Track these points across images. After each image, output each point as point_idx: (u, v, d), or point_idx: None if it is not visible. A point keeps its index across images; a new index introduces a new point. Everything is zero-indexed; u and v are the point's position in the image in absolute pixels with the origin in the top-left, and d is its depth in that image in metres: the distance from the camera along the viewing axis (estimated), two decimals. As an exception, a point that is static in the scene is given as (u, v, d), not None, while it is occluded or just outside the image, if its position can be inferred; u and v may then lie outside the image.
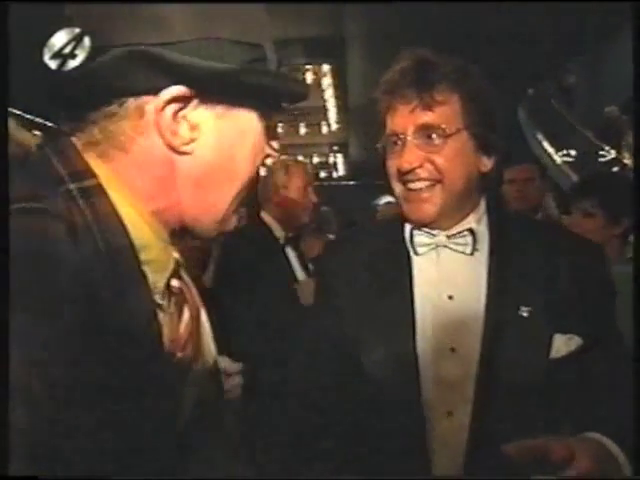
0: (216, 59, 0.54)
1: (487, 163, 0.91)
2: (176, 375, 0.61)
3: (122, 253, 0.55)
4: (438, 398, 0.88)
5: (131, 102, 0.54)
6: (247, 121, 0.60)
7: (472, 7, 3.49)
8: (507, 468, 0.70)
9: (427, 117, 0.87)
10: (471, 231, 0.90)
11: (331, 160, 11.37)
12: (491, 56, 4.57)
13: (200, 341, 0.68)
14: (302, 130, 7.45)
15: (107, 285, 0.52)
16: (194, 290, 0.69)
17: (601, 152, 5.84)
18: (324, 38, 3.81)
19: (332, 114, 6.69)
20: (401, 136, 0.89)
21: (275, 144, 0.66)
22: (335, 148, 10.31)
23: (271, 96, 0.60)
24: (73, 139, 0.56)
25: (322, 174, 12.26)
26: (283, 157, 2.33)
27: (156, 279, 0.59)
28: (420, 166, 0.88)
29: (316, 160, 10.51)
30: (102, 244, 0.53)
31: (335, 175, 12.47)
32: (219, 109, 0.57)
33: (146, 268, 0.57)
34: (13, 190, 0.50)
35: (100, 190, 0.56)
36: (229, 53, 0.55)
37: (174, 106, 0.54)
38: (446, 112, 0.88)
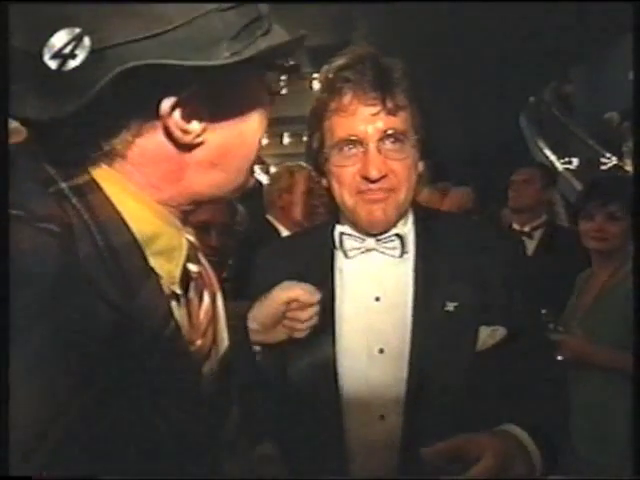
0: (219, 32, 0.51)
1: (421, 167, 0.89)
2: (195, 367, 0.59)
3: (125, 250, 0.53)
4: (369, 402, 0.86)
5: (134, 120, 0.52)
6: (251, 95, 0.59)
7: (475, 15, 3.54)
8: (439, 469, 0.71)
9: (392, 122, 0.82)
10: (398, 236, 0.88)
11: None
12: (492, 63, 4.62)
13: (218, 326, 0.67)
14: (286, 140, 7.52)
15: (114, 286, 0.50)
16: (212, 273, 0.68)
17: (602, 159, 5.86)
18: (330, 47, 3.84)
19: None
20: (359, 140, 0.83)
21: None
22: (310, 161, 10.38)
23: (270, 58, 0.59)
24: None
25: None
26: (287, 163, 2.37)
27: (171, 268, 0.57)
28: (385, 175, 0.83)
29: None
30: (102, 243, 0.51)
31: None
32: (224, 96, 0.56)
33: (158, 260, 0.55)
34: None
35: (94, 186, 0.53)
36: (228, 22, 0.52)
37: (180, 110, 0.52)
38: (405, 119, 0.84)
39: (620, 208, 1.66)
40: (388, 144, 0.83)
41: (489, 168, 5.44)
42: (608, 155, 5.74)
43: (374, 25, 3.83)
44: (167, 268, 0.56)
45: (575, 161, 6.76)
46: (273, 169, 9.77)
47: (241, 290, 1.06)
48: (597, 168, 6.10)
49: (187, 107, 0.53)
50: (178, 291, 0.57)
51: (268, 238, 2.02)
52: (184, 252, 0.59)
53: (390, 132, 0.83)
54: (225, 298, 0.71)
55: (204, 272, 0.65)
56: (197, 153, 0.57)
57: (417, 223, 0.92)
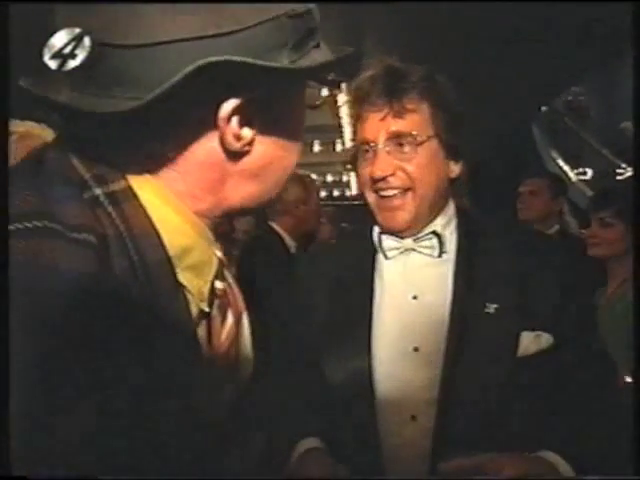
0: (284, 38, 0.50)
1: (455, 169, 0.92)
2: (213, 391, 0.56)
3: (157, 267, 0.50)
4: (402, 401, 0.86)
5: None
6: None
7: (486, 26, 3.55)
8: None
9: (398, 125, 0.88)
10: (435, 233, 0.91)
11: (345, 178, 11.43)
12: (505, 72, 4.62)
13: (240, 347, 0.64)
14: (316, 148, 7.52)
15: (145, 303, 0.47)
16: (237, 291, 0.65)
17: (618, 170, 5.79)
18: (345, 56, 3.87)
19: (347, 132, 6.75)
20: (372, 144, 0.89)
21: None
22: (349, 167, 10.38)
23: (320, 71, 0.57)
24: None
25: (335, 192, 12.31)
26: (297, 172, 2.38)
27: (200, 284, 0.55)
28: (392, 174, 0.88)
29: (330, 178, 10.56)
30: (137, 258, 0.48)
31: (348, 194, 12.51)
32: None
33: (187, 275, 0.53)
34: (15, 205, 0.44)
35: (130, 193, 0.50)
36: (292, 28, 0.50)
37: (237, 116, 0.50)
38: (416, 120, 0.88)
39: (611, 214, 1.67)
40: (398, 146, 0.89)
41: (502, 180, 5.41)
42: (623, 165, 5.67)
43: (383, 35, 3.85)
44: (196, 284, 0.54)
45: (589, 172, 6.69)
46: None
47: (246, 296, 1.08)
48: (612, 178, 6.03)
49: (245, 112, 0.51)
50: (206, 309, 0.55)
51: (272, 246, 2.03)
52: (214, 268, 0.57)
53: (397, 134, 0.88)
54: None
55: (229, 290, 0.62)
56: (241, 163, 0.55)
57: (460, 224, 0.93)
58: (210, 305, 0.57)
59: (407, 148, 0.88)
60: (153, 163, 0.52)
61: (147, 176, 0.52)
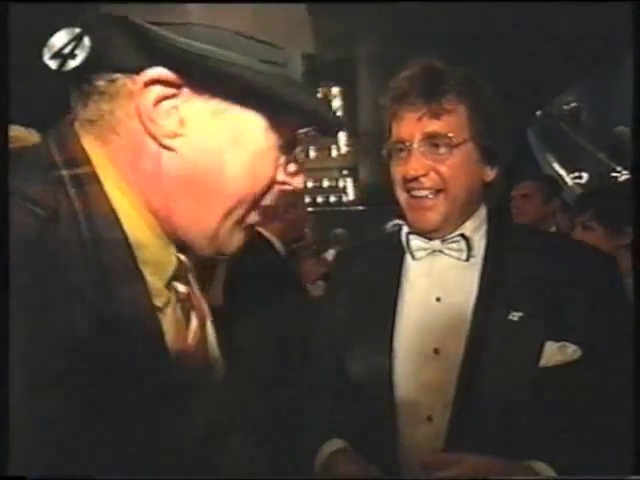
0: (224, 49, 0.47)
1: (490, 173, 0.92)
2: (182, 383, 0.55)
3: (113, 246, 0.50)
4: (419, 402, 0.87)
5: (119, 80, 0.50)
6: (248, 127, 0.52)
7: (480, 30, 3.56)
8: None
9: (434, 125, 0.88)
10: (464, 236, 0.90)
11: (341, 184, 11.43)
12: (500, 76, 4.64)
13: (208, 351, 0.62)
14: (312, 154, 7.52)
15: (92, 280, 0.47)
16: (201, 298, 0.64)
17: (613, 174, 5.80)
18: (335, 60, 3.88)
19: (342, 137, 6.76)
20: (407, 144, 0.90)
21: (293, 170, 0.57)
22: (345, 172, 10.39)
23: (287, 109, 0.51)
24: (76, 124, 0.53)
25: (332, 198, 12.31)
26: None
27: (154, 281, 0.53)
28: (425, 174, 0.89)
29: (326, 184, 10.58)
30: (88, 235, 0.48)
31: (345, 199, 12.52)
32: (215, 104, 0.50)
33: (143, 268, 0.51)
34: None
35: (94, 178, 0.51)
36: (243, 48, 0.48)
37: (157, 90, 0.49)
38: (453, 121, 0.88)
39: (589, 218, 1.70)
40: (432, 147, 0.89)
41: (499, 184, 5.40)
42: (618, 168, 5.69)
43: (377, 39, 3.87)
44: (151, 280, 0.53)
45: (585, 175, 6.71)
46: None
47: (234, 304, 1.09)
48: (608, 182, 6.05)
49: (166, 95, 0.50)
50: (159, 305, 0.54)
51: (263, 252, 2.02)
52: (171, 268, 0.56)
53: (433, 135, 0.89)
54: (217, 325, 0.68)
55: (192, 295, 0.61)
56: (171, 160, 0.52)
57: (490, 229, 0.93)
58: (173, 305, 0.56)
59: (442, 149, 0.89)
60: (112, 150, 0.52)
61: (109, 164, 0.53)
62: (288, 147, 0.55)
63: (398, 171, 0.93)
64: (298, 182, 0.59)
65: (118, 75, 0.50)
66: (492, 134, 0.91)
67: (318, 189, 10.54)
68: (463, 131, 0.89)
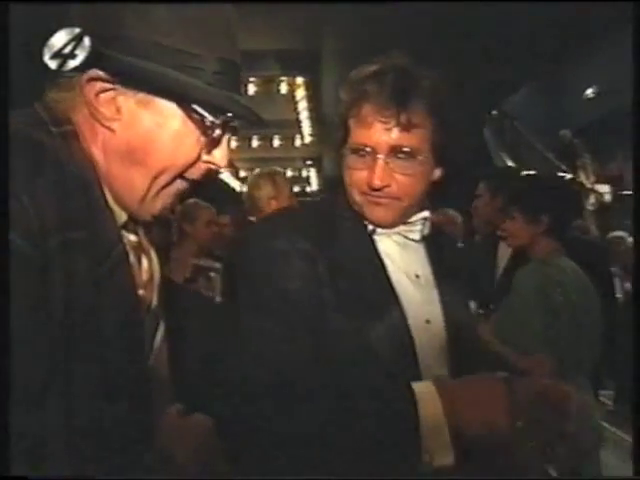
0: (149, 58, 0.62)
1: (437, 173, 0.98)
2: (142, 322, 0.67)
3: (90, 186, 0.63)
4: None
5: (75, 78, 0.63)
6: (169, 115, 0.66)
7: (443, 30, 3.69)
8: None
9: (403, 139, 0.88)
10: (425, 219, 1.00)
11: (304, 174, 11.46)
12: (458, 75, 4.79)
13: (154, 290, 0.75)
14: (276, 143, 7.51)
15: (75, 209, 0.59)
16: (149, 245, 0.77)
17: (560, 173, 6.14)
18: (299, 51, 3.91)
19: (306, 127, 6.80)
20: (371, 150, 0.89)
21: (219, 155, 0.70)
22: (309, 162, 10.42)
23: (199, 103, 0.66)
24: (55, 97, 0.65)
25: (296, 188, 12.31)
26: (263, 169, 2.42)
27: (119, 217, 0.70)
28: (388, 185, 0.90)
29: (289, 174, 10.60)
30: (70, 174, 0.60)
31: (308, 189, 12.55)
32: (142, 97, 0.65)
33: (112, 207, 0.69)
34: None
35: (76, 136, 0.65)
36: (163, 57, 0.63)
37: (97, 85, 0.63)
38: (420, 135, 0.89)
39: (507, 203, 1.93)
40: (397, 158, 0.90)
41: (456, 182, 5.60)
42: (564, 168, 6.01)
43: (341, 31, 3.93)
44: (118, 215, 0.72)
45: (535, 174, 7.02)
46: (243, 173, 9.72)
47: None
48: (555, 180, 6.36)
49: (103, 89, 0.65)
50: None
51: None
52: (123, 219, 0.70)
53: (400, 148, 0.89)
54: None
55: (142, 242, 0.76)
56: (111, 138, 0.67)
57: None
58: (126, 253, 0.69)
59: (406, 163, 0.90)
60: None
61: (81, 127, 0.67)
62: (206, 133, 0.68)
63: (360, 177, 0.92)
64: (221, 162, 0.71)
65: (74, 73, 0.62)
66: (449, 143, 0.93)
67: (282, 178, 10.51)
68: (427, 144, 0.91)
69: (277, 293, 0.89)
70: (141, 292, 0.69)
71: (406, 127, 0.87)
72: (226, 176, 8.77)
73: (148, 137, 0.66)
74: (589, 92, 8.20)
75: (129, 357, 0.62)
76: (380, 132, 0.89)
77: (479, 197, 2.71)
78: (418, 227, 0.98)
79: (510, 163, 7.60)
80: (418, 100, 0.88)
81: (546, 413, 0.76)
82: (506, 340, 1.66)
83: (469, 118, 5.92)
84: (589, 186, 5.32)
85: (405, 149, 0.89)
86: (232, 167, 9.09)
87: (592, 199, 4.75)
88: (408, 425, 0.76)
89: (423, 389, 0.79)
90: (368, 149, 0.90)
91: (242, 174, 9.62)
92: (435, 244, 1.02)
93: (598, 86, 7.58)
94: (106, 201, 0.66)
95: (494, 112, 7.16)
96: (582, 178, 5.58)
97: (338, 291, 0.89)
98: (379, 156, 0.89)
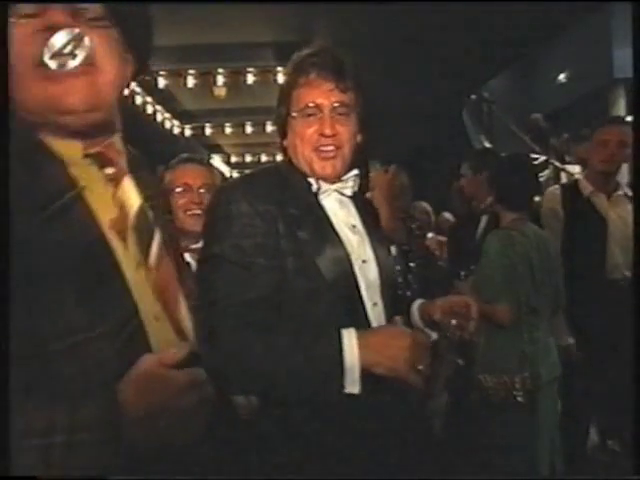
0: None
1: (359, 138, 1.22)
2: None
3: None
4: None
5: None
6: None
7: (423, 17, 3.80)
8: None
9: (343, 97, 1.14)
10: (355, 176, 1.21)
11: (278, 158, 11.39)
12: (439, 61, 4.91)
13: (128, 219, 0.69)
14: (248, 129, 7.49)
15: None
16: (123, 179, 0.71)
17: (534, 155, 6.36)
18: (295, 42, 3.92)
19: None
20: (316, 108, 1.13)
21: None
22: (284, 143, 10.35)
23: None
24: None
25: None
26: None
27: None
28: (334, 135, 1.13)
29: (264, 159, 10.59)
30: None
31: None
32: None
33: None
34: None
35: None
36: None
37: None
38: (352, 97, 1.16)
39: (488, 180, 2.34)
40: (337, 114, 1.14)
41: (434, 167, 5.78)
42: (539, 150, 6.23)
43: (329, 26, 4.04)
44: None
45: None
46: (234, 159, 9.62)
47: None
48: (531, 162, 6.58)
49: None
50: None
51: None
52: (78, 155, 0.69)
53: (340, 104, 1.15)
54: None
55: (117, 174, 0.72)
56: None
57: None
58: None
59: (344, 117, 1.15)
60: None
61: None
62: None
63: (311, 131, 1.14)
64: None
65: None
66: (366, 108, 1.20)
67: (256, 164, 10.46)
68: (355, 104, 1.17)
69: (238, 246, 1.07)
70: (109, 221, 0.66)
71: (343, 90, 1.14)
72: (217, 161, 8.69)
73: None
74: (561, 77, 8.43)
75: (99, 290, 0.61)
76: (325, 92, 1.13)
77: (463, 176, 2.89)
78: (350, 184, 1.20)
79: (488, 145, 7.82)
80: (348, 73, 1.14)
81: (454, 318, 1.15)
82: (478, 293, 1.89)
83: (443, 103, 6.08)
84: (560, 167, 5.57)
85: (344, 107, 1.14)
86: (224, 153, 9.04)
87: (564, 179, 4.99)
88: (333, 363, 1.00)
89: (346, 335, 1.02)
90: (315, 107, 1.13)
91: (233, 159, 9.61)
92: (360, 201, 1.27)
93: (570, 71, 7.80)
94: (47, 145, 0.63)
95: (472, 96, 7.34)
96: (553, 159, 5.80)
97: (296, 240, 1.09)
98: (326, 111, 1.13)
